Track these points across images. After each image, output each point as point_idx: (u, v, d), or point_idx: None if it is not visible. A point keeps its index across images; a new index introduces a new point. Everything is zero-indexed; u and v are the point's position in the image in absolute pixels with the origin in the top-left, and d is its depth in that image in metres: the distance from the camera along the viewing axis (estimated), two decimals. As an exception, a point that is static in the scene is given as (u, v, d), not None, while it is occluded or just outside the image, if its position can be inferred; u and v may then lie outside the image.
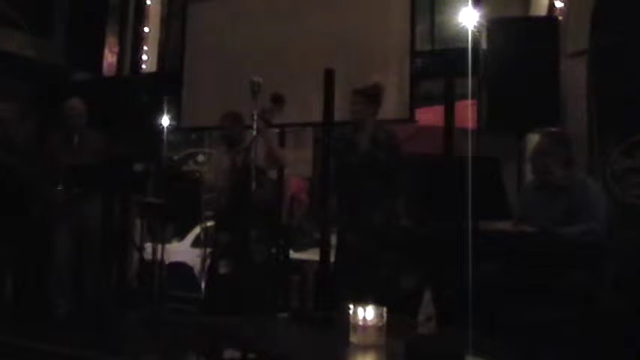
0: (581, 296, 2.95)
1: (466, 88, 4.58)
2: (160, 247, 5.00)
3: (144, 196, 5.21)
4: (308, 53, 5.28)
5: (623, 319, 2.95)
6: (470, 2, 4.25)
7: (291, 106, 4.46)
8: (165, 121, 5.62)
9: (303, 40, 5.38)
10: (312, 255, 5.17)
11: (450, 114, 4.82)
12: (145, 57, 6.61)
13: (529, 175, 3.88)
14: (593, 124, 3.92)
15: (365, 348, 2.35)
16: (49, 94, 6.01)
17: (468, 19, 4.07)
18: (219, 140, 5.67)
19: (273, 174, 4.69)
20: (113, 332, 4.50)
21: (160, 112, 5.66)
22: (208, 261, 4.69)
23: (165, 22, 6.73)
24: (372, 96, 4.20)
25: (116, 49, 6.58)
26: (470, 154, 2.64)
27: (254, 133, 3.75)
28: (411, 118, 4.97)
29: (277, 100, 4.15)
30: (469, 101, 4.45)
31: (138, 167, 5.30)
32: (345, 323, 2.41)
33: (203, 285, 4.77)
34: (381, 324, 2.36)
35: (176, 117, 5.94)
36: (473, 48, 4.08)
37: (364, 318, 2.35)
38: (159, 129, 5.61)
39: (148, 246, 5.20)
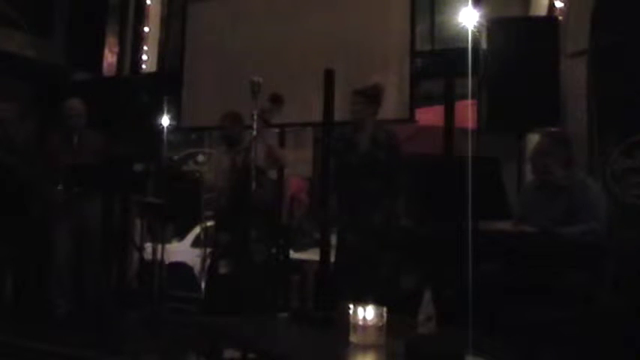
0: (581, 296, 2.95)
1: (466, 88, 4.58)
2: (160, 247, 5.00)
3: (144, 196, 5.21)
4: (308, 53, 5.28)
5: (623, 319, 2.95)
6: (470, 2, 4.25)
7: (291, 106, 4.46)
8: (165, 121, 5.61)
9: (303, 40, 5.38)
10: (312, 255, 5.17)
11: (450, 114, 4.82)
12: (145, 57, 6.60)
13: (529, 175, 3.88)
14: (593, 124, 3.92)
15: (365, 348, 2.35)
16: (49, 94, 6.01)
17: (468, 19, 4.07)
18: (219, 140, 5.67)
19: (273, 174, 4.70)
20: (113, 332, 4.50)
21: (160, 112, 5.66)
22: (208, 261, 4.69)
23: (165, 22, 6.73)
24: (372, 96, 4.20)
25: (116, 49, 6.58)
26: (470, 154, 2.64)
27: (254, 133, 3.75)
28: (411, 118, 4.97)
29: (276, 100, 4.16)
30: (469, 101, 4.45)
31: (138, 167, 5.30)
32: (345, 323, 2.41)
33: (203, 285, 4.78)
34: (381, 324, 2.36)
35: (176, 117, 5.94)
36: (473, 48, 4.08)
37: (364, 318, 2.35)
38: (159, 129, 5.61)
39: (148, 246, 5.20)
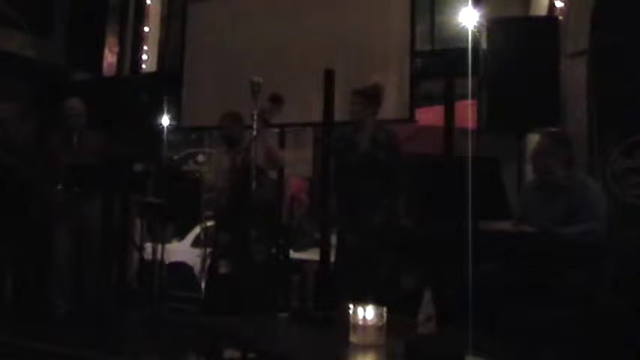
0: (581, 296, 2.95)
1: (466, 88, 4.58)
2: (160, 247, 5.00)
3: (144, 196, 5.21)
4: (308, 53, 5.28)
5: (623, 319, 2.95)
6: (470, 2, 4.25)
7: (291, 106, 4.46)
8: (165, 121, 5.61)
9: (303, 40, 5.38)
10: (312, 255, 5.17)
11: (450, 114, 4.82)
12: (145, 57, 6.60)
13: (529, 175, 3.88)
14: (593, 124, 3.92)
15: (365, 348, 2.35)
16: (49, 94, 6.01)
17: (468, 19, 4.07)
18: (219, 140, 5.67)
19: (273, 174, 4.69)
20: (113, 332, 4.50)
21: (160, 112, 5.66)
22: (208, 261, 4.69)
23: (165, 22, 6.73)
24: (371, 96, 4.20)
25: (116, 49, 6.58)
26: (470, 154, 2.64)
27: (254, 133, 3.75)
28: (411, 118, 4.97)
29: (276, 100, 4.15)
30: (469, 101, 4.45)
31: (138, 167, 5.30)
32: (345, 323, 2.41)
33: (203, 285, 4.78)
34: (381, 324, 2.36)
35: (176, 117, 5.94)
36: (473, 48, 4.08)
37: (364, 318, 2.35)
38: (159, 129, 5.61)
39: (148, 246, 5.20)
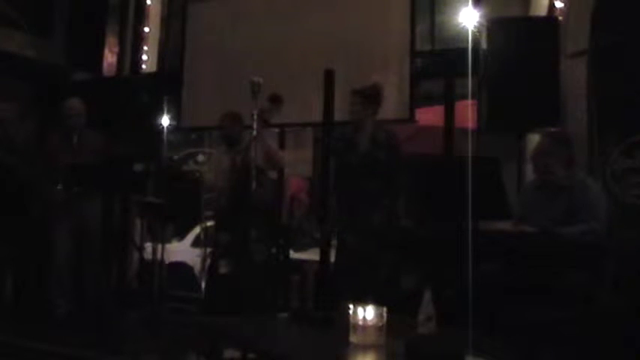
0: (581, 296, 2.95)
1: (466, 88, 4.58)
2: (160, 247, 5.00)
3: (144, 196, 5.21)
4: (308, 53, 5.28)
5: (623, 319, 2.95)
6: (470, 2, 4.25)
7: (291, 106, 4.46)
8: (165, 121, 5.62)
9: (303, 40, 5.38)
10: (312, 255, 5.17)
11: (450, 114, 4.83)
12: (145, 57, 6.60)
13: (529, 175, 3.88)
14: (593, 124, 3.92)
15: (365, 348, 2.35)
16: (49, 94, 6.01)
17: (468, 19, 4.07)
18: (219, 140, 5.67)
19: (273, 174, 4.70)
20: (113, 332, 4.51)
21: (160, 112, 5.66)
22: (208, 261, 4.69)
23: (166, 22, 6.73)
24: (370, 96, 4.20)
25: (116, 49, 6.58)
26: (470, 154, 2.64)
27: (254, 133, 3.75)
28: (411, 118, 4.97)
29: (275, 100, 4.15)
30: (469, 101, 4.45)
31: (138, 167, 5.31)
32: (345, 323, 2.41)
33: (203, 285, 4.78)
34: (381, 324, 2.36)
35: (176, 117, 5.94)
36: (473, 48, 4.08)
37: (364, 318, 2.35)
38: (159, 129, 5.61)
39: (148, 246, 5.20)
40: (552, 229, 3.09)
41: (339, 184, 4.31)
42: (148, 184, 5.21)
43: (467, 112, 4.16)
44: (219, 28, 5.88)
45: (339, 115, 4.53)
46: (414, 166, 3.73)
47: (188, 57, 6.06)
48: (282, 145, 5.45)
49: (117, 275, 5.68)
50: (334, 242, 4.35)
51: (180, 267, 6.96)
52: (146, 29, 6.64)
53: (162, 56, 6.66)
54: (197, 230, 7.07)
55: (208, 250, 4.85)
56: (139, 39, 6.60)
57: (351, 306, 2.39)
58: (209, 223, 5.26)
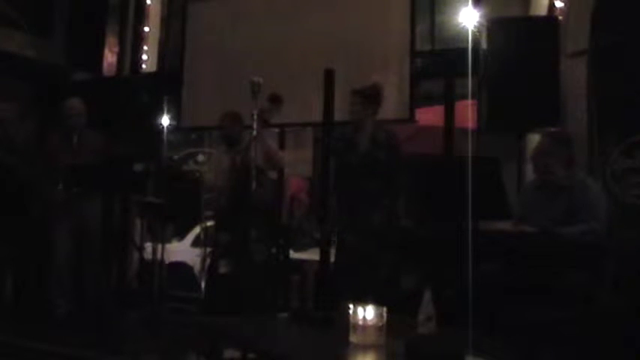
0: (581, 296, 2.95)
1: (466, 88, 4.58)
2: (160, 247, 5.00)
3: (144, 196, 5.21)
4: (308, 53, 5.28)
5: (623, 319, 2.95)
6: (470, 2, 4.25)
7: (291, 106, 4.46)
8: (165, 121, 5.61)
9: (303, 40, 5.38)
10: (312, 255, 5.17)
11: (450, 114, 4.83)
12: (145, 57, 6.61)
13: (529, 175, 3.88)
14: (593, 124, 3.92)
15: (365, 348, 2.35)
16: (49, 94, 6.01)
17: (468, 19, 4.07)
18: (219, 140, 5.67)
19: (273, 174, 4.69)
20: (113, 332, 4.51)
21: (160, 112, 5.66)
22: (208, 261, 4.69)
23: (166, 22, 6.73)
24: (370, 96, 4.19)
25: (116, 49, 6.58)
26: (470, 154, 2.64)
27: (254, 132, 3.75)
28: (411, 118, 4.97)
29: (275, 100, 4.15)
30: (469, 101, 4.45)
31: (138, 167, 5.30)
32: (345, 323, 2.41)
33: (203, 285, 4.77)
34: (381, 324, 2.36)
35: (176, 117, 5.94)
36: (473, 48, 4.08)
37: (364, 318, 2.35)
38: (159, 129, 5.61)
39: (148, 246, 5.20)
40: (552, 229, 3.09)
41: (339, 184, 4.31)
42: (148, 184, 5.20)
43: (467, 112, 4.16)
44: (219, 28, 5.88)
45: (339, 115, 4.53)
46: (414, 166, 3.73)
47: (188, 57, 6.06)
48: (282, 145, 5.45)
49: (117, 275, 5.68)
50: (334, 242, 4.35)
51: (180, 267, 6.96)
52: (146, 29, 6.64)
53: (162, 56, 6.66)
54: (197, 230, 7.07)
55: (208, 250, 4.85)
56: (139, 39, 6.60)
57: (351, 306, 2.39)
58: (209, 223, 5.26)
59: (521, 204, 3.56)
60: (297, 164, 7.43)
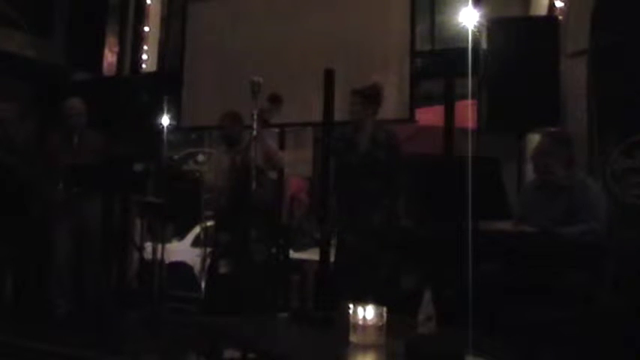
0: (581, 296, 2.95)
1: (466, 88, 4.58)
2: (160, 246, 5.01)
3: (144, 196, 5.21)
4: (308, 53, 5.28)
5: (623, 319, 2.95)
6: (470, 2, 4.25)
7: (291, 106, 4.46)
8: (165, 121, 5.62)
9: (303, 40, 5.38)
10: (312, 255, 5.17)
11: (450, 114, 4.83)
12: (145, 57, 6.61)
13: (529, 175, 3.88)
14: (593, 124, 3.92)
15: (365, 348, 2.35)
16: (49, 94, 6.01)
17: (468, 19, 4.07)
18: (219, 140, 5.67)
19: (273, 174, 4.69)
20: (113, 332, 4.51)
21: (160, 112, 5.66)
22: (208, 261, 4.69)
23: (166, 22, 6.73)
24: (370, 96, 4.20)
25: (116, 49, 6.58)
26: (470, 154, 2.64)
27: (254, 132, 3.76)
28: (411, 118, 4.97)
29: (275, 100, 4.15)
30: (469, 101, 4.45)
31: (138, 167, 5.30)
32: (345, 323, 2.41)
33: (203, 285, 4.77)
34: (381, 324, 2.36)
35: (176, 117, 5.94)
36: (473, 48, 4.08)
37: (364, 318, 2.35)
38: (159, 129, 5.61)
39: (148, 246, 5.20)
40: (552, 229, 3.09)
41: (339, 184, 4.31)
42: (148, 184, 5.20)
43: (467, 112, 4.16)
44: (219, 28, 5.88)
45: (339, 115, 4.53)
46: (414, 166, 3.73)
47: (188, 57, 6.06)
48: (282, 145, 5.45)
49: (117, 275, 5.68)
50: (334, 242, 4.35)
51: (180, 267, 6.96)
52: (146, 29, 6.64)
53: (162, 56, 6.67)
54: (197, 230, 7.07)
55: (208, 250, 4.85)
56: (139, 39, 6.60)
57: (351, 306, 2.39)
58: (209, 223, 5.26)
59: (521, 204, 3.56)
60: (297, 164, 7.44)
